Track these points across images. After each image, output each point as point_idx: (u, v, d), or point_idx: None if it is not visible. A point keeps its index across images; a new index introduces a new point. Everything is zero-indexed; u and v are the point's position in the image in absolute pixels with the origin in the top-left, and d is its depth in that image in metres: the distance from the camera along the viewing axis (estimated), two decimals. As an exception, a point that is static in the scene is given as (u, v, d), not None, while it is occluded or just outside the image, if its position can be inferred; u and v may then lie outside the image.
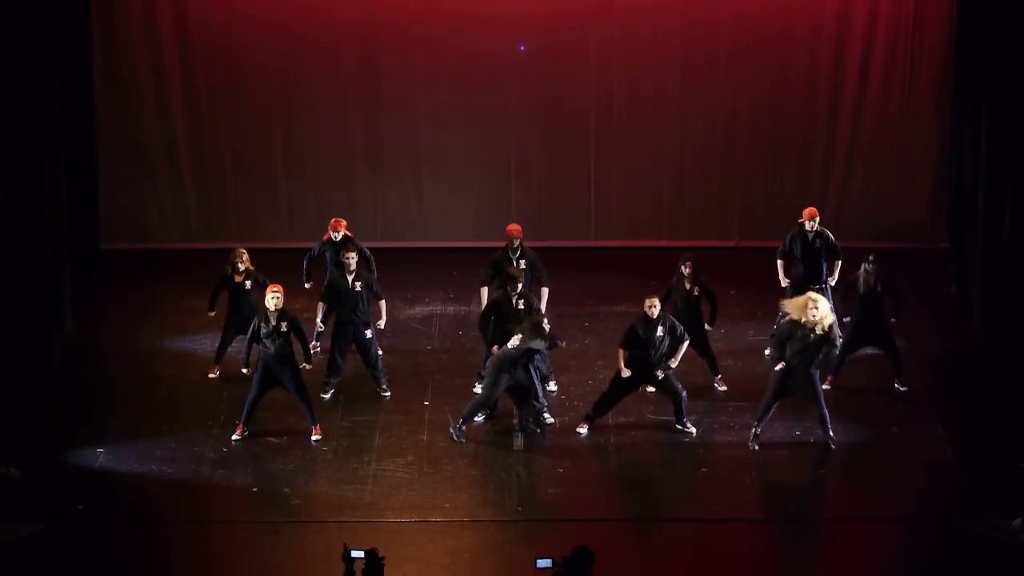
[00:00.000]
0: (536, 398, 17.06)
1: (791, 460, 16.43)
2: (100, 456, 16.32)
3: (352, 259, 17.58)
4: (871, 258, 17.60)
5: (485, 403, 16.74)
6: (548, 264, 18.16)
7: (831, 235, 18.49)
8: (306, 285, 18.64)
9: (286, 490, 15.78)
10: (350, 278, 17.53)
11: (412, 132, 22.41)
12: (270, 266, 19.66)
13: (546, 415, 17.11)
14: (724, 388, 17.85)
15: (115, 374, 18.55)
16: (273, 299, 16.48)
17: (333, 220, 18.62)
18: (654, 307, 16.54)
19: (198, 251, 22.09)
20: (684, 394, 16.81)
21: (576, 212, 22.63)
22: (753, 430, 16.58)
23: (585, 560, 11.59)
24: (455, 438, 16.63)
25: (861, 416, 17.27)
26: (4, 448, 16.15)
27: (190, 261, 21.79)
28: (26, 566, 14.38)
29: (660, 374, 16.66)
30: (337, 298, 17.57)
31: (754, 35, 21.99)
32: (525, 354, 16.42)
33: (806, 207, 18.71)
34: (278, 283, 16.79)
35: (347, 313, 17.57)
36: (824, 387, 16.90)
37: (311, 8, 21.89)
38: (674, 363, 16.75)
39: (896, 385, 17.76)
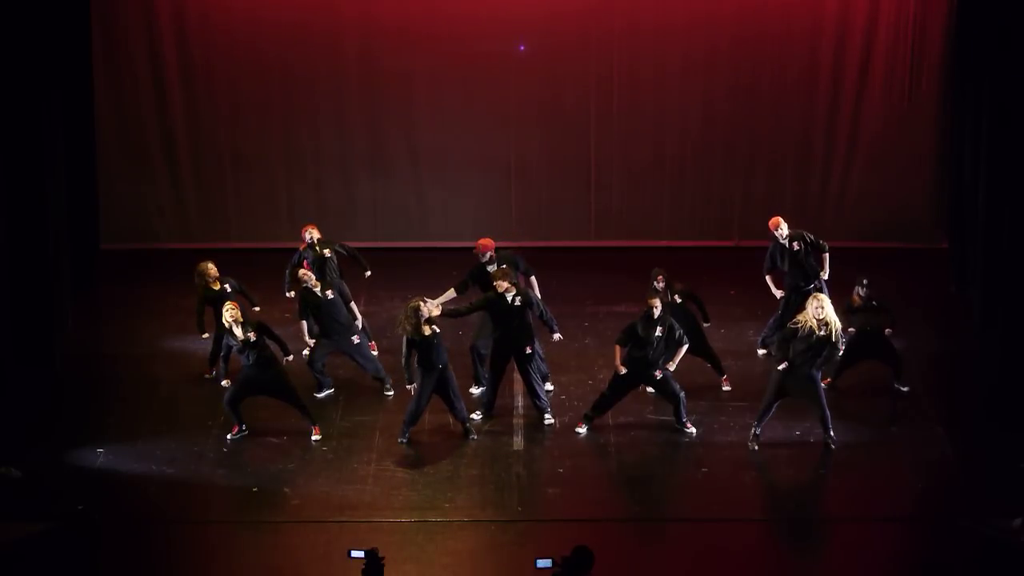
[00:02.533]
0: (538, 398, 17.09)
1: (791, 460, 16.43)
2: (100, 456, 16.33)
3: (309, 276, 17.56)
4: (865, 282, 17.61)
5: (419, 410, 16.64)
6: (548, 264, 18.18)
7: (809, 234, 18.46)
8: (289, 294, 18.59)
9: (286, 490, 15.79)
10: (316, 290, 17.52)
11: (412, 132, 22.41)
12: (270, 266, 19.71)
13: (547, 417, 17.11)
14: (729, 388, 17.84)
15: (115, 374, 18.55)
16: (230, 315, 16.51)
17: (306, 227, 18.59)
18: (656, 307, 16.55)
19: (198, 251, 22.04)
20: (682, 395, 16.81)
21: (576, 212, 22.63)
22: (753, 430, 16.59)
23: (585, 560, 11.59)
24: (399, 440, 16.63)
25: (861, 416, 17.27)
26: (4, 448, 16.15)
27: (190, 261, 21.71)
28: (26, 566, 14.38)
29: (658, 374, 16.66)
30: (316, 312, 17.55)
31: (754, 36, 21.98)
32: (435, 352, 16.35)
33: (772, 217, 18.70)
34: (232, 300, 16.98)
35: (329, 324, 17.57)
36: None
37: (311, 8, 21.89)
38: (672, 366, 16.74)
39: (896, 386, 17.76)
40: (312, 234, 18.49)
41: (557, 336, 17.14)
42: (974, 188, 19.94)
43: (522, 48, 22.07)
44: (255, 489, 15.83)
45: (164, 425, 17.08)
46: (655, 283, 17.42)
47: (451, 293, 17.80)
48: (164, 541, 14.97)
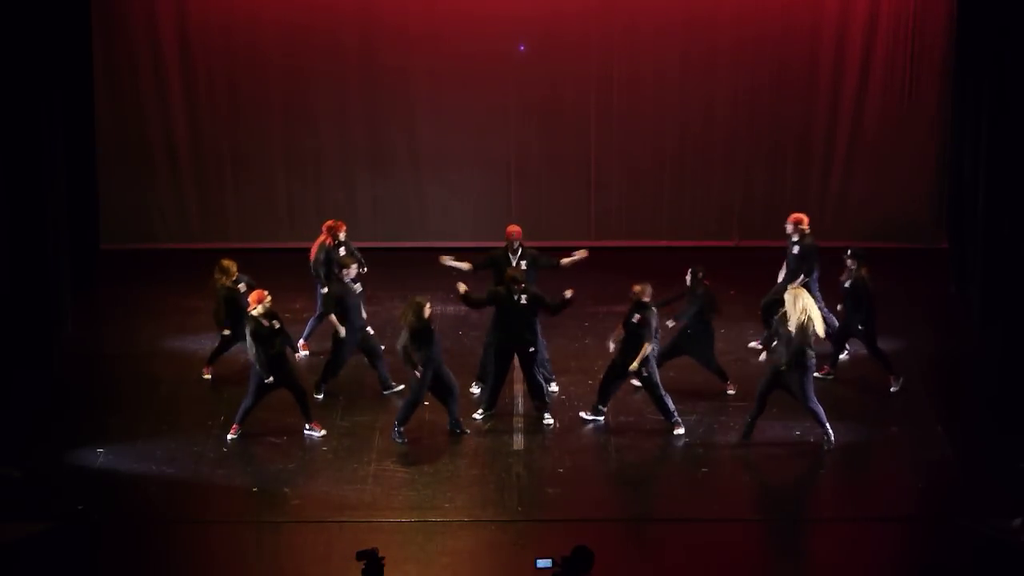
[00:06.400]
0: (539, 398, 17.09)
1: (791, 460, 16.43)
2: (100, 456, 16.32)
3: (355, 270, 17.55)
4: (848, 253, 17.68)
5: (417, 401, 16.68)
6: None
7: (806, 247, 18.41)
8: (324, 289, 18.38)
9: (286, 490, 15.78)
10: (351, 285, 17.51)
11: (412, 132, 22.43)
12: (270, 266, 19.71)
13: (547, 418, 17.11)
14: (733, 392, 17.77)
15: (115, 374, 18.56)
16: (268, 302, 16.43)
17: (339, 224, 18.55)
18: (634, 295, 16.54)
19: (198, 251, 22.09)
20: (660, 392, 16.73)
21: (576, 212, 22.64)
22: (746, 425, 16.53)
23: (585, 560, 11.58)
24: (397, 440, 16.65)
25: (861, 416, 17.27)
26: (4, 448, 16.16)
27: (190, 261, 21.77)
28: (26, 566, 14.38)
29: (643, 370, 16.60)
30: (343, 308, 17.48)
31: (754, 36, 22.01)
32: (434, 347, 16.41)
33: (799, 212, 18.83)
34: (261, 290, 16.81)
35: (357, 319, 17.52)
36: (818, 375, 17.02)
37: (311, 8, 21.91)
38: (633, 365, 16.59)
39: (892, 386, 17.76)
40: (342, 233, 18.46)
41: (569, 293, 17.01)
42: (974, 188, 19.94)
43: (522, 48, 22.09)
44: (255, 489, 15.83)
45: (164, 425, 17.08)
46: (690, 272, 17.48)
47: (466, 264, 17.80)
48: (164, 541, 14.96)
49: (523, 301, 16.85)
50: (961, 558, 14.53)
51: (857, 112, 22.21)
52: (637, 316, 16.55)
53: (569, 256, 17.87)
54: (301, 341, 18.67)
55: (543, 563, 11.60)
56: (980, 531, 14.82)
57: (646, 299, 16.59)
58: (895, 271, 21.00)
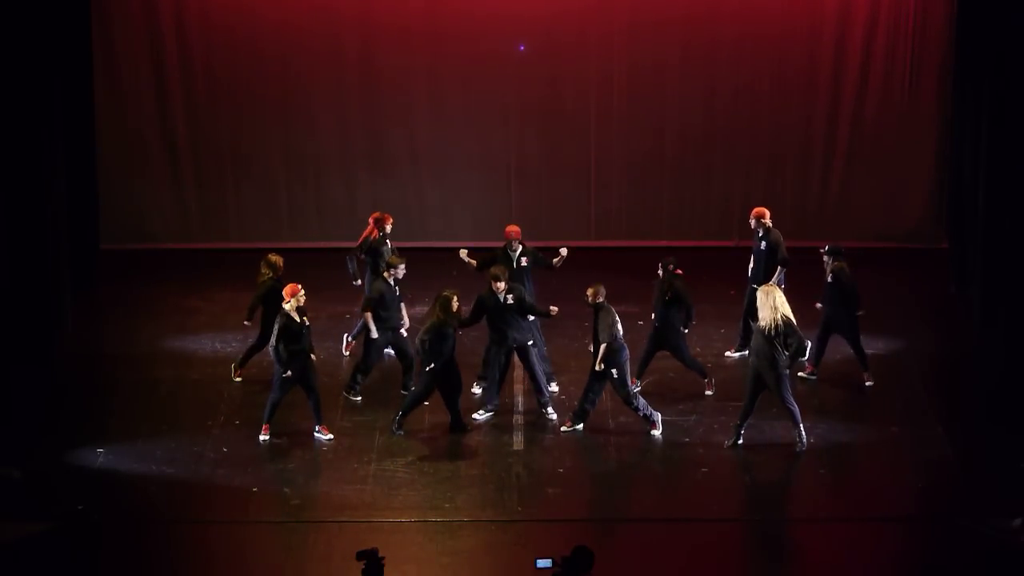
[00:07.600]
0: (541, 392, 17.08)
1: (791, 460, 16.41)
2: (100, 456, 16.32)
3: (403, 269, 17.46)
4: (825, 249, 17.69)
5: (425, 396, 16.70)
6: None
7: (774, 241, 18.39)
8: (357, 282, 18.32)
9: (286, 490, 15.79)
10: (394, 284, 17.50)
11: (412, 132, 22.44)
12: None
13: (549, 411, 17.10)
14: (710, 392, 17.78)
15: (115, 374, 18.55)
16: (301, 297, 16.38)
17: (386, 216, 18.51)
18: (589, 296, 16.55)
19: (198, 251, 22.10)
20: (633, 400, 16.72)
21: (576, 212, 22.66)
22: (736, 428, 16.50)
23: (585, 560, 11.58)
24: (394, 430, 16.69)
25: (861, 416, 17.27)
26: (4, 448, 16.15)
27: (190, 261, 21.80)
28: (26, 566, 14.38)
29: (614, 371, 16.59)
30: (383, 305, 17.40)
31: (754, 36, 22.03)
32: (449, 342, 16.42)
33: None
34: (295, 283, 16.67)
35: (393, 319, 17.49)
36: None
37: (311, 8, 21.94)
38: (598, 366, 16.60)
39: (867, 382, 17.76)
40: (388, 225, 18.43)
41: (555, 309, 17.06)
42: (974, 188, 19.95)
43: (522, 48, 22.11)
44: (255, 489, 15.82)
45: (164, 425, 17.08)
46: (661, 265, 17.47)
47: (475, 262, 17.87)
48: (164, 541, 14.96)
49: (509, 301, 16.88)
50: (961, 558, 14.52)
51: (857, 113, 22.23)
52: (595, 319, 16.56)
53: (555, 257, 17.86)
54: (349, 339, 18.61)
55: (543, 563, 11.59)
56: (980, 531, 14.81)
57: (599, 300, 16.59)
58: (895, 271, 21.00)
